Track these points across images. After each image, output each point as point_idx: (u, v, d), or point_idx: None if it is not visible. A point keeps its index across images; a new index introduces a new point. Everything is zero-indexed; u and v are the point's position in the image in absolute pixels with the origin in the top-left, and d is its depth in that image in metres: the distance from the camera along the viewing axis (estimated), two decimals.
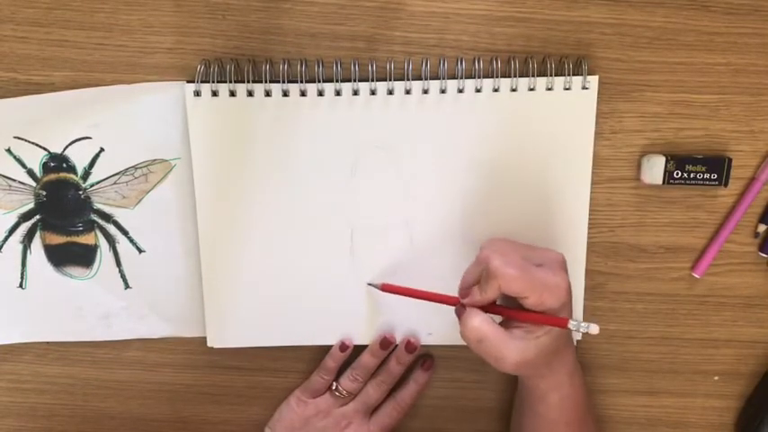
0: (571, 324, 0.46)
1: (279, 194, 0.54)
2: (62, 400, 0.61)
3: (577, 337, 0.57)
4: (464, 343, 0.58)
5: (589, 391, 0.55)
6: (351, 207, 0.55)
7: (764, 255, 0.56)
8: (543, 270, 0.47)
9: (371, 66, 0.52)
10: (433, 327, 0.57)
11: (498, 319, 0.49)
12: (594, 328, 0.45)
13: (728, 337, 0.58)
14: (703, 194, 0.55)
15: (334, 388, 0.57)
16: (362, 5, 0.52)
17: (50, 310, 0.58)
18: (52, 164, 0.55)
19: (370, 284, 0.55)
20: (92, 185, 0.55)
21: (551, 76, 0.52)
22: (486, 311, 0.48)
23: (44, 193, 0.56)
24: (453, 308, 0.50)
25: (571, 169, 0.54)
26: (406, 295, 0.53)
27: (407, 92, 0.52)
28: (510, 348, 0.46)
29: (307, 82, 0.52)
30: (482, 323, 0.47)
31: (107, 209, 0.56)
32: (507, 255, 0.47)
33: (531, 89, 0.52)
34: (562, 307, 0.47)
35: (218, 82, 0.52)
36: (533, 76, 0.52)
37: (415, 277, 0.55)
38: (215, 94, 0.52)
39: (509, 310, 0.48)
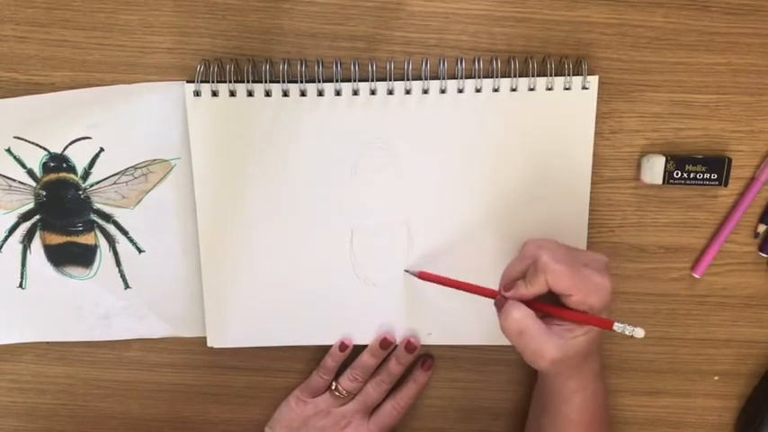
0: (617, 326, 0.46)
1: (279, 194, 0.54)
2: (62, 400, 0.61)
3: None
4: (465, 343, 0.58)
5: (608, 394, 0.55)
6: (351, 207, 0.55)
7: (764, 255, 0.56)
8: (589, 270, 0.47)
9: (371, 66, 0.52)
10: (433, 327, 0.57)
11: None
12: (640, 332, 0.46)
13: (728, 337, 0.58)
14: (703, 194, 0.55)
15: (333, 388, 0.57)
16: (362, 5, 0.52)
17: (50, 310, 0.58)
18: (52, 164, 0.55)
19: (407, 271, 0.55)
20: (92, 185, 0.55)
21: (551, 76, 0.52)
22: (529, 306, 0.48)
23: (44, 193, 0.56)
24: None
25: (571, 169, 0.54)
26: (444, 285, 0.52)
27: (407, 92, 0.52)
28: (549, 344, 0.46)
29: (307, 82, 0.52)
30: (525, 316, 0.46)
31: (107, 209, 0.56)
32: (556, 251, 0.47)
33: (531, 89, 0.52)
34: (604, 308, 0.47)
35: (218, 82, 0.52)
36: (533, 76, 0.52)
37: (415, 277, 0.55)
38: (215, 94, 0.52)
39: (553, 307, 0.48)
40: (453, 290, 0.52)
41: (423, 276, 0.53)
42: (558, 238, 0.55)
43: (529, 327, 0.46)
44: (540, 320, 0.47)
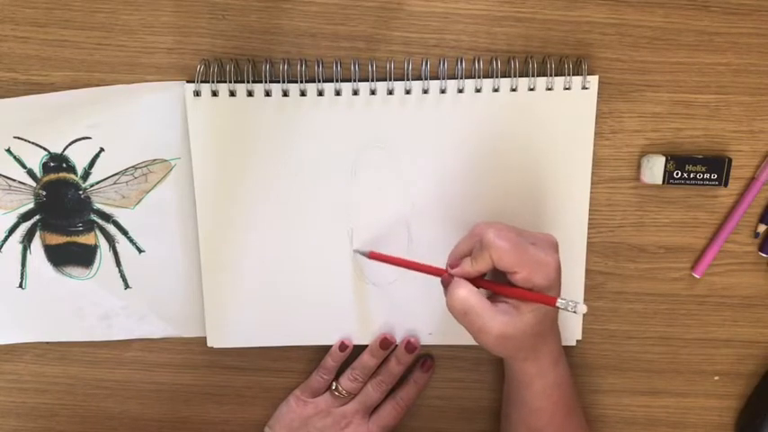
0: (559, 302, 0.46)
1: (279, 194, 0.54)
2: (62, 400, 0.61)
3: (576, 337, 0.57)
4: (465, 343, 0.58)
5: (577, 386, 0.55)
6: (351, 207, 0.55)
7: (764, 255, 0.56)
8: (535, 248, 0.47)
9: (371, 66, 0.52)
10: (434, 327, 0.57)
11: (485, 294, 0.49)
12: (582, 308, 0.45)
13: (728, 337, 0.58)
14: (703, 194, 0.55)
15: (333, 388, 0.57)
16: (362, 5, 0.52)
17: (50, 310, 0.58)
18: (52, 164, 0.55)
19: (356, 251, 0.55)
20: (92, 185, 0.55)
21: (551, 76, 0.52)
22: (474, 285, 0.48)
23: (44, 193, 0.56)
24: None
25: (571, 169, 0.54)
26: (392, 264, 0.52)
27: (407, 92, 0.52)
28: (494, 321, 0.46)
29: (307, 82, 0.52)
30: (469, 294, 0.47)
31: (107, 209, 0.56)
32: (502, 230, 0.47)
33: (531, 89, 0.52)
34: (550, 286, 0.47)
35: (217, 82, 0.52)
36: (533, 76, 0.52)
37: (415, 276, 0.55)
38: (215, 94, 0.52)
39: (498, 285, 0.48)
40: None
41: (372, 256, 0.53)
42: (558, 238, 0.55)
43: (473, 305, 0.46)
44: (485, 298, 0.47)
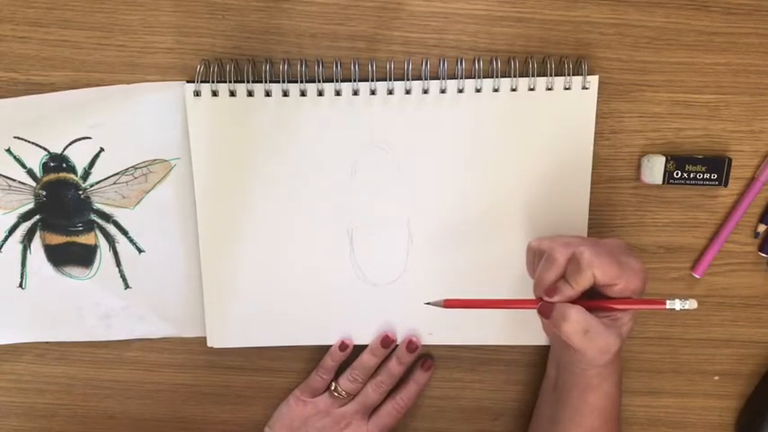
0: (669, 304, 0.46)
1: (279, 194, 0.54)
2: (62, 400, 0.61)
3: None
4: (465, 343, 0.58)
5: None
6: (351, 207, 0.55)
7: (764, 255, 0.56)
8: (624, 256, 0.47)
9: (371, 66, 0.52)
10: (434, 327, 0.57)
11: None
12: (693, 303, 0.46)
13: (728, 337, 0.58)
14: (703, 194, 0.55)
15: (332, 388, 0.57)
16: (362, 5, 0.52)
17: (50, 310, 0.58)
18: (52, 164, 0.55)
19: (428, 304, 0.50)
20: (92, 185, 0.55)
21: (551, 76, 0.52)
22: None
23: (44, 193, 0.56)
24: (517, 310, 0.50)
25: (571, 169, 0.54)
26: (474, 308, 0.50)
27: (407, 92, 0.52)
28: (612, 337, 0.46)
29: (307, 82, 0.52)
30: (585, 315, 0.46)
31: (107, 209, 0.56)
32: (593, 246, 0.47)
33: (531, 89, 0.52)
34: (644, 289, 0.47)
35: (217, 82, 0.52)
36: (533, 76, 0.52)
37: (415, 276, 0.55)
38: (215, 94, 0.52)
39: (602, 301, 0.47)
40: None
41: (449, 305, 0.49)
42: None
43: (593, 324, 0.46)
44: (592, 315, 0.47)
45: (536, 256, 0.49)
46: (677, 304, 0.46)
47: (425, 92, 0.52)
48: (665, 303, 0.47)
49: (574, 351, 0.48)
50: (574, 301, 0.47)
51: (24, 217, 0.56)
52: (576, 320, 0.46)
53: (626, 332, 0.48)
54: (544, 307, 0.48)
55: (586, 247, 0.46)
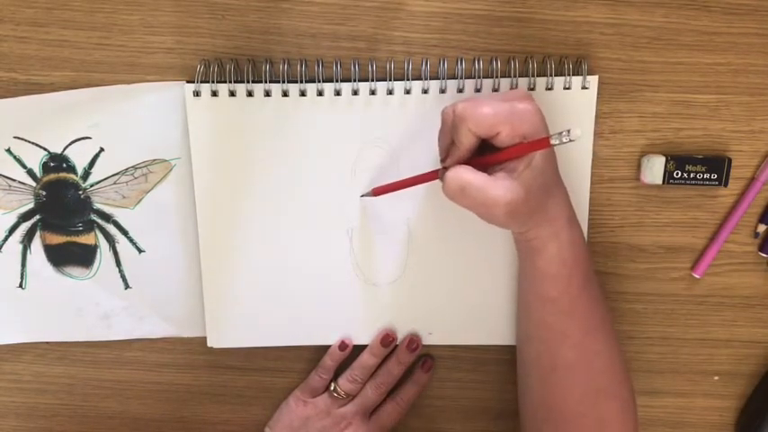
0: (552, 139, 0.44)
1: (279, 194, 0.54)
2: (62, 400, 0.61)
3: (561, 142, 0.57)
4: (465, 343, 0.58)
5: (591, 256, 0.51)
6: (351, 207, 0.55)
7: (764, 255, 0.56)
8: (508, 102, 0.45)
9: (371, 66, 0.52)
10: (434, 327, 0.57)
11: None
12: (576, 132, 0.43)
13: (728, 337, 0.58)
14: (703, 194, 0.55)
15: (332, 389, 0.57)
16: (362, 5, 0.52)
17: (50, 310, 0.58)
18: (52, 164, 0.55)
19: (363, 196, 0.54)
20: (92, 185, 0.55)
21: (551, 76, 0.52)
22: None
23: (44, 193, 0.56)
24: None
25: (571, 169, 0.54)
26: (394, 189, 0.51)
27: (407, 92, 0.52)
28: (497, 189, 0.44)
29: (307, 82, 0.52)
30: (462, 170, 0.45)
31: (107, 209, 0.56)
32: (469, 100, 0.45)
33: (531, 89, 0.52)
34: (537, 131, 0.45)
35: (217, 82, 0.52)
36: (533, 76, 0.52)
37: (415, 276, 0.55)
38: (215, 94, 0.52)
39: (486, 156, 0.46)
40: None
41: (377, 192, 0.52)
42: None
43: (469, 180, 0.44)
44: (478, 171, 0.45)
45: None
46: (563, 137, 0.43)
47: (425, 92, 0.52)
48: (548, 140, 0.44)
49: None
50: (469, 163, 0.46)
51: (24, 217, 0.56)
52: (449, 180, 0.45)
53: (530, 179, 0.45)
54: (441, 173, 0.47)
55: (463, 101, 0.45)
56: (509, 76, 0.52)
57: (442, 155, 0.48)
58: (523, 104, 0.45)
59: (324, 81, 0.52)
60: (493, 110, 0.44)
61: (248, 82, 0.52)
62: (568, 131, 0.43)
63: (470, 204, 0.45)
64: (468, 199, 0.45)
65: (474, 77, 0.52)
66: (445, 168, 0.47)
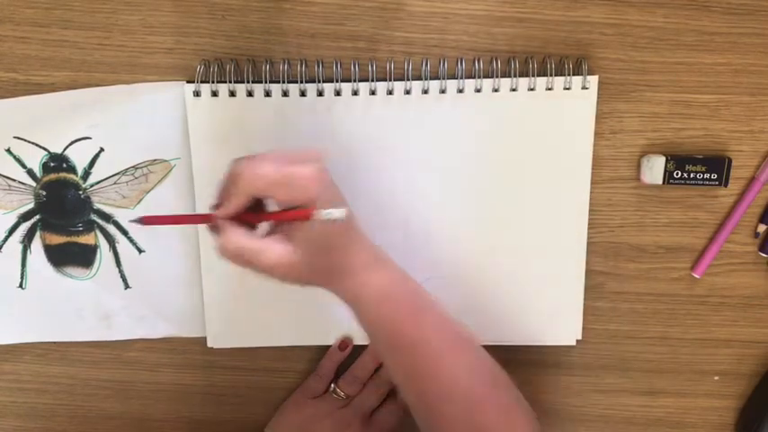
0: (315, 214, 0.42)
1: None
2: (62, 400, 0.61)
3: (576, 337, 0.57)
4: None
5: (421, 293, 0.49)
6: (351, 206, 0.55)
7: (764, 255, 0.56)
8: (292, 165, 0.43)
9: (371, 66, 0.52)
10: None
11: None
12: (338, 212, 0.42)
13: (728, 337, 0.58)
14: (703, 194, 0.55)
15: (332, 390, 0.57)
16: (362, 5, 0.52)
17: (50, 310, 0.58)
18: (52, 164, 0.55)
19: (131, 221, 0.52)
20: (92, 185, 0.55)
21: (551, 76, 0.52)
22: (242, 223, 0.45)
23: (44, 193, 0.56)
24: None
25: (571, 169, 0.54)
26: (163, 223, 0.50)
27: (407, 92, 0.52)
28: (271, 254, 0.44)
29: (307, 82, 0.52)
30: (238, 236, 0.44)
31: (107, 209, 0.56)
32: (252, 158, 0.44)
33: (531, 89, 0.52)
34: (313, 199, 0.43)
35: (217, 82, 0.52)
36: (533, 76, 0.52)
37: (414, 276, 0.55)
38: (215, 94, 0.52)
39: (256, 215, 0.46)
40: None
41: (147, 221, 0.48)
42: (558, 239, 0.55)
43: (245, 243, 0.44)
44: (254, 234, 0.45)
45: None
46: (323, 214, 0.42)
47: (425, 92, 0.52)
48: (311, 213, 0.42)
49: None
50: (241, 218, 0.45)
51: (24, 217, 0.56)
52: (224, 244, 0.44)
53: (306, 244, 0.44)
54: (212, 228, 0.46)
55: (243, 159, 0.44)
56: (509, 76, 0.52)
57: (216, 200, 0.46)
58: (306, 170, 0.43)
59: (324, 81, 0.52)
60: (268, 172, 0.43)
61: (248, 82, 0.52)
62: (331, 212, 0.42)
63: (252, 268, 0.45)
64: (246, 263, 0.45)
65: (474, 77, 0.52)
66: (215, 224, 0.46)
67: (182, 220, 0.50)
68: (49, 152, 0.55)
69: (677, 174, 0.53)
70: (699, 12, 0.52)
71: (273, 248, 0.44)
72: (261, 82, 0.52)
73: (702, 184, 0.54)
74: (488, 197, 0.54)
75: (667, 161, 0.53)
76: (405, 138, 0.53)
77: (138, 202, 0.56)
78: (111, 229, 0.56)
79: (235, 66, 0.52)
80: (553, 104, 0.52)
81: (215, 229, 0.46)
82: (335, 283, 0.46)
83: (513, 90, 0.52)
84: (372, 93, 0.52)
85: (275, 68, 0.52)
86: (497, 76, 0.52)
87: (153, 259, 0.57)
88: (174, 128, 0.54)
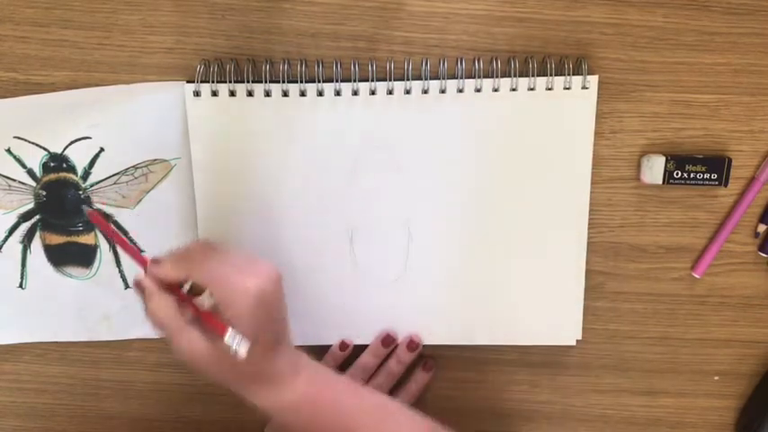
0: (228, 335, 0.42)
1: (279, 194, 0.54)
2: (62, 400, 0.61)
3: (576, 337, 0.57)
4: (465, 343, 0.58)
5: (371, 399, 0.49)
6: (351, 207, 0.55)
7: (764, 255, 0.56)
8: (238, 270, 0.43)
9: (371, 66, 0.52)
10: (434, 327, 0.57)
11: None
12: (242, 350, 0.42)
13: (728, 337, 0.58)
14: (703, 194, 0.55)
15: None
16: (362, 5, 0.52)
17: (50, 310, 0.58)
18: (52, 164, 0.55)
19: (85, 208, 0.54)
20: (92, 185, 0.55)
21: (551, 75, 0.52)
22: (176, 293, 0.46)
23: (44, 192, 0.56)
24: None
25: (571, 169, 0.54)
26: (107, 231, 0.52)
27: (407, 92, 0.52)
28: (184, 338, 0.44)
29: (307, 82, 0.52)
30: (166, 307, 0.44)
31: (107, 209, 0.56)
32: (210, 243, 0.45)
33: (531, 89, 0.52)
34: (244, 315, 0.42)
35: (217, 82, 0.52)
36: (533, 75, 0.52)
37: (415, 277, 0.55)
38: (215, 94, 0.52)
39: (187, 296, 0.46)
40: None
41: (91, 214, 0.52)
42: (558, 239, 0.55)
43: (165, 319, 0.44)
44: (179, 314, 0.44)
45: None
46: (229, 338, 0.42)
47: (425, 92, 0.52)
48: (225, 330, 0.42)
49: None
50: (174, 290, 0.45)
51: (24, 217, 0.56)
52: (151, 310, 0.44)
53: (218, 347, 0.43)
54: (142, 281, 0.45)
55: (203, 241, 0.45)
56: (509, 76, 0.52)
57: (160, 256, 0.46)
58: (247, 282, 0.43)
59: (324, 81, 0.52)
60: (212, 268, 0.43)
61: (248, 82, 0.52)
62: (238, 344, 0.42)
63: (168, 339, 0.45)
64: (165, 335, 0.45)
65: (474, 77, 0.52)
66: (140, 284, 0.45)
67: (124, 245, 0.50)
68: (48, 152, 0.55)
69: (677, 174, 0.53)
70: (699, 12, 0.52)
71: (190, 335, 0.44)
72: (261, 82, 0.52)
73: (702, 184, 0.54)
74: (488, 197, 0.54)
75: (667, 161, 0.53)
76: (405, 138, 0.53)
77: (138, 202, 0.56)
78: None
79: (235, 66, 0.52)
80: (553, 104, 0.52)
81: (139, 288, 0.46)
82: (252, 393, 0.46)
83: (513, 90, 0.52)
84: (372, 93, 0.52)
85: (275, 68, 0.52)
86: (497, 76, 0.52)
87: None
88: (173, 128, 0.54)
